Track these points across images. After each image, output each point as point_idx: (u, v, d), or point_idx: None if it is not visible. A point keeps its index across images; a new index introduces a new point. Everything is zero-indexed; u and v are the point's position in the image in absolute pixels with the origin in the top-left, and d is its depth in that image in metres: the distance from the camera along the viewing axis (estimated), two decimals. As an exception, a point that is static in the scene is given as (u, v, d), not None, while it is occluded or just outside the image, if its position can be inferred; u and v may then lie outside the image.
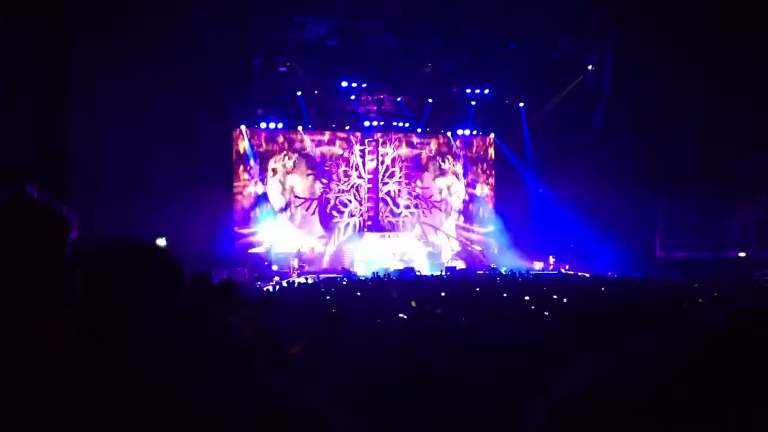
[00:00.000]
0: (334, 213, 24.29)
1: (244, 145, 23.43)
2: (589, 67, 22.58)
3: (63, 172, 17.56)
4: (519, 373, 5.00)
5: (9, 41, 15.16)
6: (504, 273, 21.28)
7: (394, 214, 24.88)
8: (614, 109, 21.37)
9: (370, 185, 24.69)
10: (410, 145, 25.26)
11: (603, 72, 21.92)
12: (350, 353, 5.98)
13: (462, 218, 25.61)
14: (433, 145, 25.55)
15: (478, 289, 11.69)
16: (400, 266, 22.30)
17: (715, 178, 19.63)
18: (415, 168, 25.25)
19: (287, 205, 23.85)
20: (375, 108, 24.35)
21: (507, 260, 23.50)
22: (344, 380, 5.30)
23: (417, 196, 25.23)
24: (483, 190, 26.00)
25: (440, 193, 25.53)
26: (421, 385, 4.91)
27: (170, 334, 1.49)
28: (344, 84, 23.14)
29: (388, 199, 24.90)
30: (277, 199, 23.76)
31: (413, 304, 8.42)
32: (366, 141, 24.65)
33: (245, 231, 23.05)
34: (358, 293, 12.78)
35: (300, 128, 23.87)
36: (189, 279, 2.77)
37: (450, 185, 25.66)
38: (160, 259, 1.63)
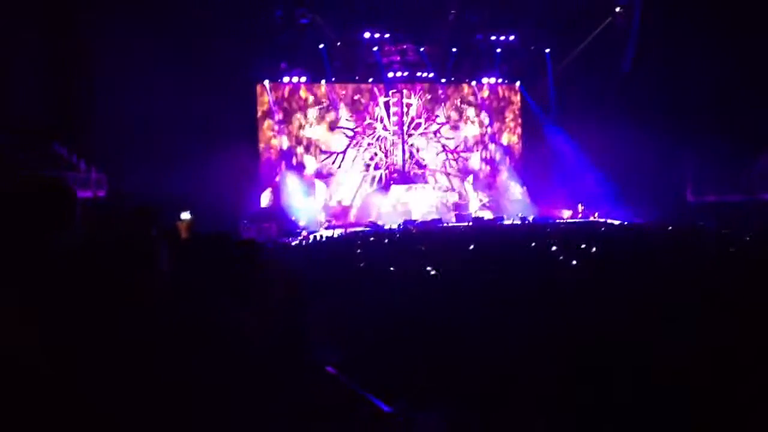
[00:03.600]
0: (360, 166, 24.25)
1: (267, 99, 23.38)
2: (618, 9, 21.99)
3: (90, 133, 17.74)
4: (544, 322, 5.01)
5: (35, 6, 15.21)
6: (531, 222, 21.23)
7: (420, 166, 24.79)
8: (643, 53, 20.90)
9: (395, 137, 24.57)
10: (435, 95, 25.00)
11: (632, 14, 21.36)
12: (379, 306, 6.02)
13: (489, 167, 25.47)
14: (459, 94, 25.28)
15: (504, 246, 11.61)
16: (427, 218, 22.33)
17: (746, 119, 19.21)
18: (441, 119, 25.04)
19: (313, 159, 23.85)
20: (398, 59, 24.05)
21: (534, 209, 23.41)
22: (375, 332, 5.34)
23: (444, 147, 25.07)
24: (510, 138, 25.78)
25: (466, 143, 25.35)
26: (449, 335, 4.94)
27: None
28: (367, 35, 22.85)
29: (414, 151, 24.78)
30: (302, 153, 23.76)
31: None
32: (390, 92, 24.44)
33: (272, 186, 23.12)
34: (387, 245, 12.82)
35: (323, 81, 23.73)
36: (210, 239, 2.77)
37: (476, 135, 25.46)
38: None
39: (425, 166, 24.81)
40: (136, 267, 1.65)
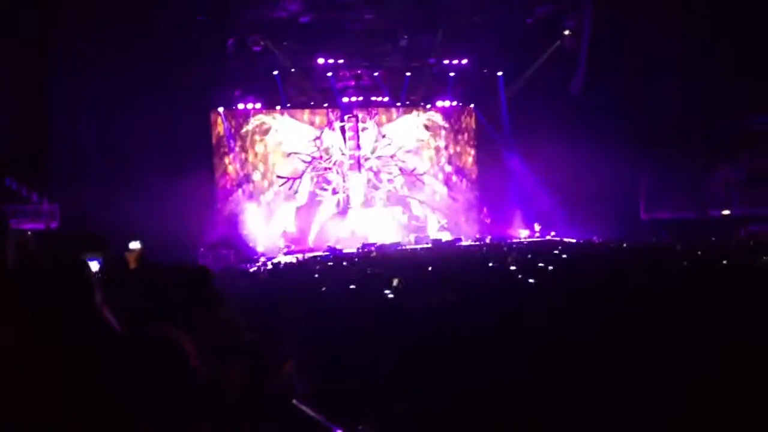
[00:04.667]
0: (318, 191, 24.21)
1: (222, 126, 23.26)
2: (566, 32, 22.42)
3: (43, 163, 17.43)
4: (509, 344, 5.02)
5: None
6: (488, 242, 21.39)
7: (377, 189, 24.82)
8: (593, 73, 21.30)
9: (351, 161, 24.60)
10: (390, 118, 25.15)
11: (580, 36, 21.78)
12: (337, 331, 5.97)
13: (446, 189, 25.59)
14: (413, 117, 25.43)
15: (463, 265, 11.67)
16: (386, 241, 22.35)
17: (696, 138, 19.70)
18: (397, 142, 25.17)
19: (269, 185, 23.75)
20: (353, 83, 24.15)
21: (491, 230, 23.62)
22: (334, 360, 5.28)
23: (400, 170, 25.15)
24: (466, 160, 25.97)
25: (423, 165, 25.45)
26: (413, 363, 4.91)
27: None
28: (320, 61, 22.92)
29: (371, 175, 24.83)
30: (259, 179, 23.65)
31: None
32: (345, 117, 24.51)
33: (229, 213, 22.94)
34: (345, 267, 12.77)
35: (278, 107, 23.70)
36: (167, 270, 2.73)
37: (432, 157, 25.60)
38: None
39: (383, 189, 24.85)
40: (69, 296, 1.61)
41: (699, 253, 11.86)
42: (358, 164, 24.62)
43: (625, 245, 15.82)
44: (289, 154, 24.00)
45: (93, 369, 1.51)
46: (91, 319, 1.63)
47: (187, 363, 1.67)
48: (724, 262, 9.87)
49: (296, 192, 23.97)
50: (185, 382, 1.64)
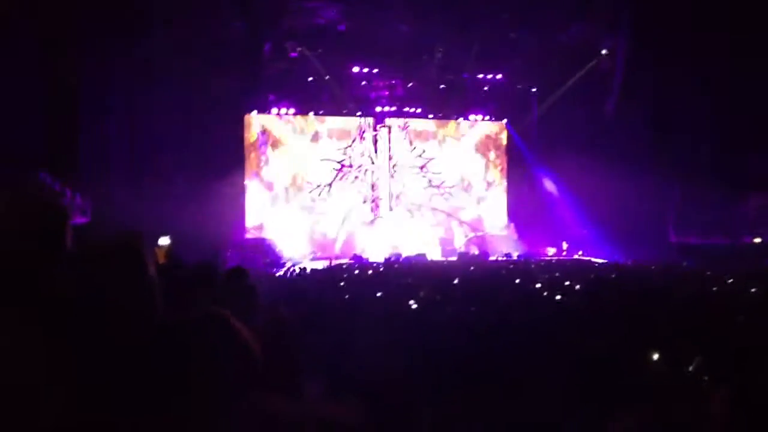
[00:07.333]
0: (346, 199, 24.25)
1: (255, 130, 23.43)
2: (603, 52, 22.29)
3: (75, 159, 17.65)
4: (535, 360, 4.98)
5: (18, 28, 15.20)
6: (515, 259, 21.26)
7: (406, 200, 24.81)
8: (628, 95, 21.16)
9: (382, 171, 24.63)
10: (422, 130, 25.15)
11: (616, 57, 21.67)
12: (362, 344, 5.96)
13: (475, 203, 25.52)
14: (445, 130, 25.42)
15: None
16: (413, 252, 22.30)
17: (730, 162, 19.48)
18: (428, 154, 25.16)
19: (299, 191, 23.85)
20: (387, 93, 24.24)
21: (519, 246, 23.47)
22: (357, 374, 5.28)
23: (430, 182, 25.14)
24: (495, 175, 25.88)
25: (453, 178, 25.41)
26: (436, 374, 4.90)
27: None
28: (356, 69, 23.04)
29: (401, 185, 24.83)
30: (289, 184, 23.75)
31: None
32: (378, 126, 24.57)
33: (257, 217, 23.07)
34: (370, 277, 12.77)
35: (311, 113, 23.83)
36: (193, 270, 2.77)
37: (462, 171, 25.54)
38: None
39: (411, 200, 24.84)
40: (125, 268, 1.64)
41: (730, 281, 11.68)
42: (388, 174, 24.66)
43: (653, 267, 15.62)
44: (320, 161, 24.09)
45: (147, 342, 1.54)
46: (146, 290, 1.66)
47: (240, 338, 1.69)
48: (753, 290, 9.69)
49: (325, 199, 24.05)
50: (241, 358, 1.66)
